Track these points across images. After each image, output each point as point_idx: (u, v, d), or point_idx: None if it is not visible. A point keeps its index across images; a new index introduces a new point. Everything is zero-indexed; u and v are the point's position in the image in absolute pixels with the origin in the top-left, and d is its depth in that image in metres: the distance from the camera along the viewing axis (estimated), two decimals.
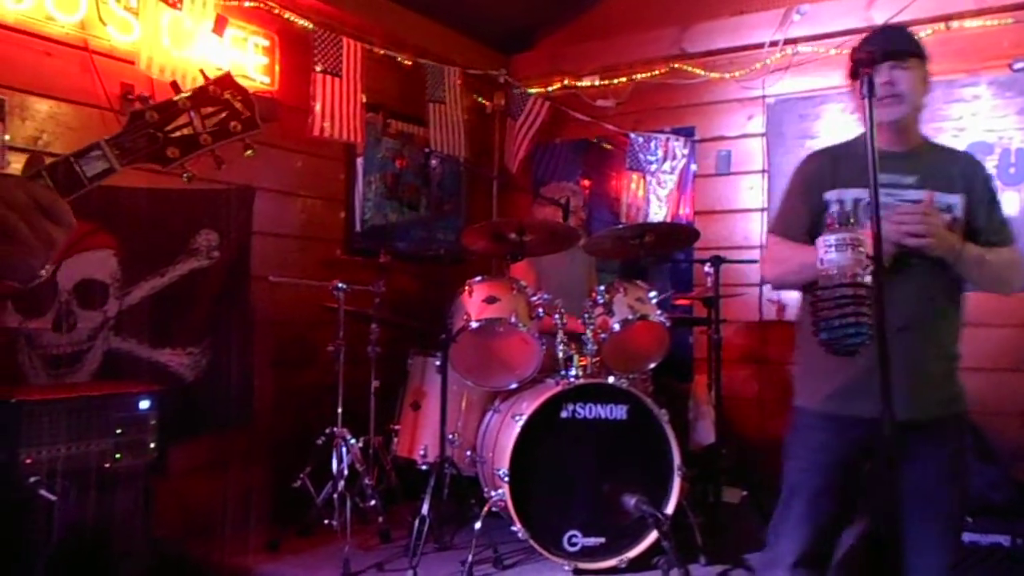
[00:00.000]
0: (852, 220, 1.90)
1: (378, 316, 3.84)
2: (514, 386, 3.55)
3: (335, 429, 3.59)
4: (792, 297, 4.51)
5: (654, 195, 4.97)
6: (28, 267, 1.08)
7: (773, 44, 4.51)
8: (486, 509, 3.22)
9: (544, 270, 4.08)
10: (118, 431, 2.84)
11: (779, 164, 4.62)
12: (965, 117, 4.09)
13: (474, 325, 3.36)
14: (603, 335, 3.43)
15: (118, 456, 2.84)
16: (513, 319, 3.36)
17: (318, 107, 4.09)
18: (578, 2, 5.33)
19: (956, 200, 2.21)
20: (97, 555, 2.75)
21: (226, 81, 1.34)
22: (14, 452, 2.59)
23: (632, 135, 5.03)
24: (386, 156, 4.79)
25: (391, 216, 4.82)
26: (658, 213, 4.94)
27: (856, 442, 2.13)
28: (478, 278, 3.53)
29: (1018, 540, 3.18)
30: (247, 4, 3.86)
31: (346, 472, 3.50)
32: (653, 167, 4.97)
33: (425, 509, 3.24)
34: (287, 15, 4.04)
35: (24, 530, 2.58)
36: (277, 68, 4.08)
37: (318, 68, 4.10)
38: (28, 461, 2.60)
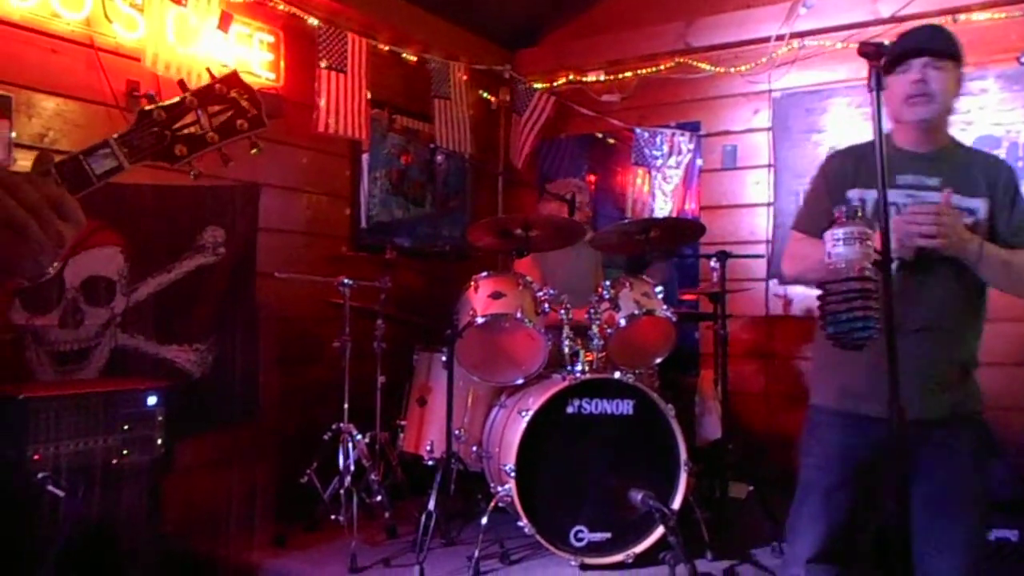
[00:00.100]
0: (860, 214, 1.89)
1: (384, 312, 3.84)
2: (520, 381, 3.55)
3: (341, 425, 3.59)
4: (798, 292, 4.51)
5: (659, 190, 4.96)
6: (37, 263, 1.09)
7: (779, 38, 4.49)
8: (492, 504, 3.22)
9: (550, 265, 4.08)
10: (125, 427, 2.85)
11: (785, 159, 4.61)
12: (972, 111, 4.07)
13: (480, 321, 3.36)
14: (609, 330, 3.43)
15: (125, 452, 2.85)
16: (519, 315, 3.35)
17: (323, 103, 4.09)
18: None
19: (979, 204, 2.20)
20: (105, 551, 2.76)
21: (232, 79, 1.35)
22: (22, 448, 2.60)
23: (637, 130, 5.02)
24: (391, 152, 4.78)
25: (396, 212, 4.82)
26: (664, 208, 4.93)
27: (872, 441, 2.12)
28: (484, 274, 3.53)
29: None
30: (252, 0, 3.86)
31: (352, 468, 3.51)
32: (659, 162, 4.96)
33: (431, 504, 3.24)
34: (292, 11, 4.03)
35: (32, 526, 2.59)
36: (282, 64, 4.08)
37: (323, 64, 4.10)
38: (36, 457, 2.61)
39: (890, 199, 2.20)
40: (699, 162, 4.91)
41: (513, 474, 3.11)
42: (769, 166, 4.68)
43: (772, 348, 4.61)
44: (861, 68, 1.85)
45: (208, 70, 1.39)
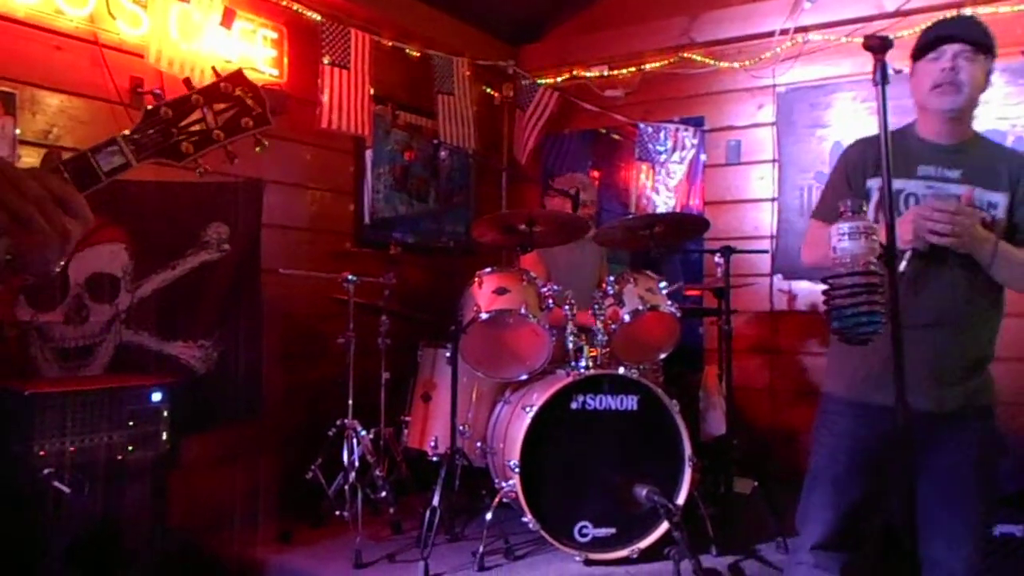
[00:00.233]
0: (865, 208, 1.88)
1: (388, 308, 3.85)
2: (524, 377, 3.55)
3: (346, 421, 3.60)
4: (802, 287, 4.51)
5: (663, 185, 4.95)
6: (44, 260, 1.10)
7: (783, 32, 4.47)
8: (497, 500, 3.22)
9: (554, 261, 4.07)
10: (130, 424, 2.86)
11: (789, 154, 4.60)
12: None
13: (484, 316, 3.36)
14: (613, 326, 3.43)
15: (130, 449, 2.85)
16: (523, 310, 3.35)
17: (326, 99, 4.09)
18: None
19: (999, 198, 2.18)
20: (110, 547, 2.76)
21: (237, 78, 1.37)
22: (28, 445, 2.61)
23: (641, 125, 5.01)
24: (395, 148, 4.78)
25: (400, 208, 4.82)
26: (668, 203, 4.92)
27: (881, 431, 2.12)
28: (488, 269, 3.53)
29: None
30: None
31: (357, 463, 3.51)
32: (662, 157, 4.95)
33: (436, 500, 3.24)
34: (295, 7, 4.03)
35: (38, 522, 2.60)
36: (286, 60, 4.07)
37: (326, 60, 4.10)
38: (41, 453, 2.62)
39: (909, 190, 2.20)
40: (703, 157, 4.90)
41: (517, 470, 3.12)
42: (773, 161, 4.67)
43: (776, 343, 4.60)
44: (866, 62, 1.84)
45: (214, 69, 1.40)
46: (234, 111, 1.35)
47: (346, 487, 3.46)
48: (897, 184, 2.20)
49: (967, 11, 4.00)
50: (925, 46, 2.19)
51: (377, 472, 3.62)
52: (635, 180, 5.07)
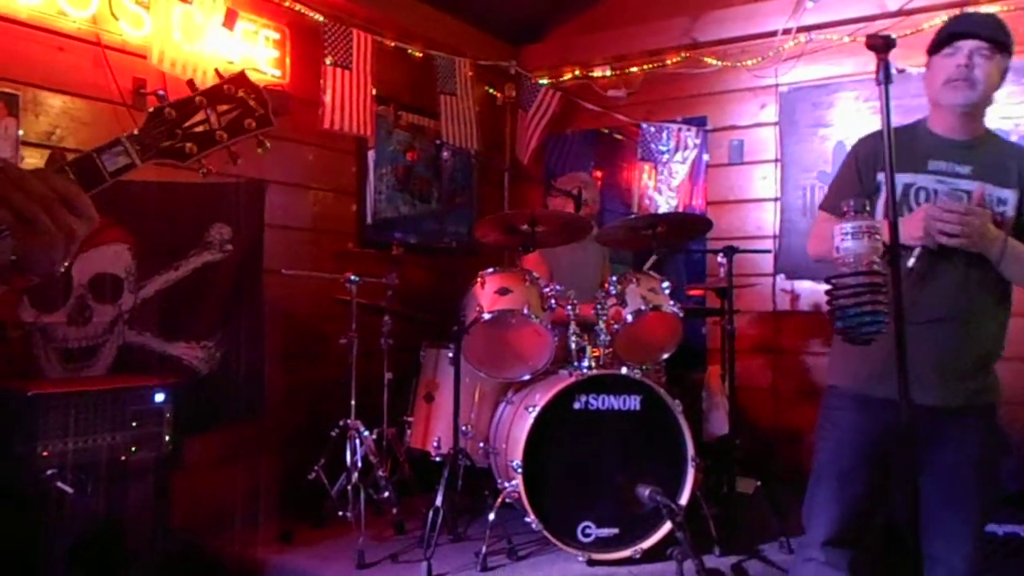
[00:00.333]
0: (868, 208, 1.88)
1: (390, 308, 3.85)
2: (527, 377, 3.55)
3: (348, 421, 3.60)
4: (805, 287, 4.50)
5: (666, 185, 4.95)
6: (49, 260, 1.11)
7: (786, 32, 4.47)
8: (500, 500, 3.22)
9: (557, 261, 4.07)
10: (133, 424, 2.86)
11: (792, 153, 4.60)
12: None
13: (487, 317, 3.36)
14: (616, 326, 3.42)
15: (133, 449, 2.86)
16: (526, 310, 3.35)
17: (328, 100, 4.09)
18: None
19: (1009, 195, 2.18)
20: (113, 547, 2.77)
21: (240, 80, 1.38)
22: (31, 445, 2.61)
23: (644, 125, 5.01)
24: (397, 149, 4.78)
25: (403, 208, 4.82)
26: (670, 203, 4.92)
27: (885, 424, 2.12)
28: (490, 270, 3.53)
29: None
30: None
31: (360, 464, 3.51)
32: (665, 157, 4.95)
33: (439, 500, 3.24)
34: (298, 8, 4.03)
35: (41, 522, 2.60)
36: (288, 61, 4.08)
37: (328, 61, 4.10)
38: (45, 454, 2.63)
39: (920, 184, 2.20)
40: (706, 157, 4.90)
41: (520, 470, 3.12)
42: (776, 161, 4.67)
43: (779, 343, 4.60)
44: (868, 62, 1.84)
45: (217, 71, 1.42)
46: (237, 112, 1.36)
47: (349, 487, 3.46)
48: (907, 178, 2.20)
49: (972, 8, 4.00)
50: (941, 41, 2.19)
51: (380, 472, 3.62)
52: (637, 180, 5.07)
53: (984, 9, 3.97)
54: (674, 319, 3.47)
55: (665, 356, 3.62)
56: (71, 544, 2.62)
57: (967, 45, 2.14)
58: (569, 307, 3.48)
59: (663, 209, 4.88)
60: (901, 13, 4.14)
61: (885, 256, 1.80)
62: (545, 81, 5.29)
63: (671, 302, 3.48)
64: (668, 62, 4.92)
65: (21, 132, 3.05)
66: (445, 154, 4.15)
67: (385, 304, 3.84)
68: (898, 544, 1.89)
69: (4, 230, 1.06)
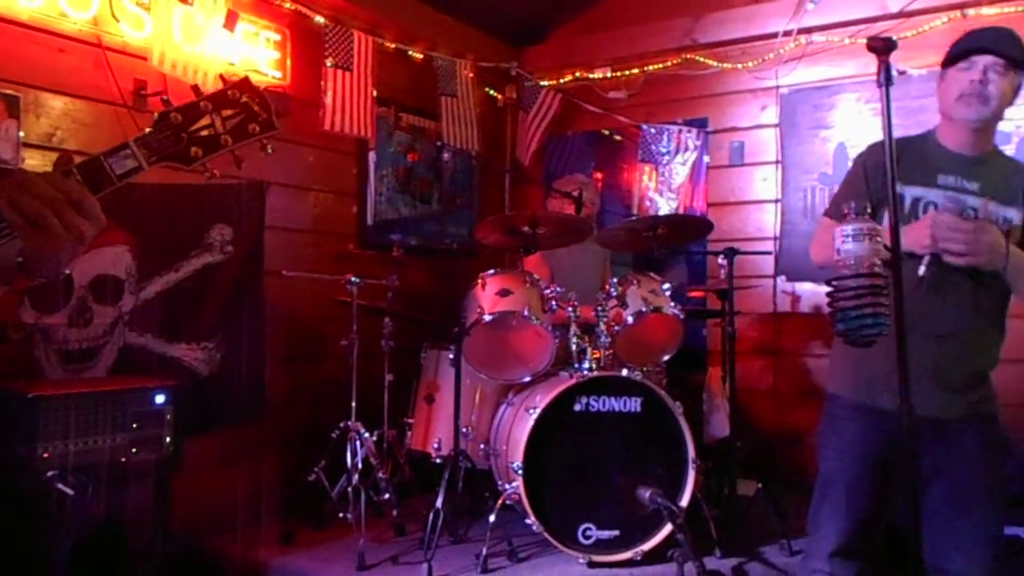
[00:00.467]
0: (869, 210, 1.87)
1: (391, 310, 3.85)
2: (528, 379, 3.55)
3: (349, 423, 3.60)
4: (806, 289, 4.50)
5: (666, 187, 4.95)
6: (57, 261, 1.14)
7: (787, 34, 4.47)
8: (500, 502, 3.22)
9: (558, 263, 4.07)
10: (134, 426, 2.86)
11: (793, 155, 4.59)
12: None
13: (487, 318, 3.36)
14: (617, 327, 3.42)
15: (134, 451, 2.86)
16: (526, 312, 3.35)
17: (329, 101, 4.09)
18: None
19: (1014, 214, 2.19)
20: (113, 549, 2.77)
21: (244, 85, 1.41)
22: (31, 447, 2.61)
23: (644, 127, 5.01)
24: (398, 150, 4.78)
25: (403, 210, 4.82)
26: (671, 205, 4.92)
27: (887, 434, 2.12)
28: (491, 271, 3.53)
29: None
30: None
31: (360, 465, 3.51)
32: (665, 159, 4.94)
33: (439, 502, 3.24)
34: (298, 9, 4.03)
35: (41, 524, 2.60)
36: (288, 63, 4.08)
37: (329, 62, 4.10)
38: (45, 456, 2.63)
39: (929, 198, 2.20)
40: (706, 159, 4.90)
41: (521, 472, 3.11)
42: (777, 162, 4.66)
43: (780, 345, 4.59)
44: (869, 63, 1.84)
45: (221, 76, 1.46)
46: (241, 117, 1.39)
47: (349, 489, 3.46)
48: (918, 191, 2.20)
49: (973, 11, 4.01)
50: (957, 55, 2.18)
51: (380, 474, 3.62)
52: (638, 182, 5.07)
53: (986, 12, 3.98)
54: (675, 321, 3.47)
55: (666, 358, 3.62)
56: (72, 546, 2.61)
57: (982, 60, 2.13)
58: (570, 309, 3.48)
59: (663, 211, 4.88)
60: (902, 15, 4.14)
61: (888, 261, 1.80)
62: (546, 83, 5.29)
63: (672, 304, 3.48)
64: (669, 63, 4.91)
65: (22, 134, 3.05)
66: (446, 155, 4.16)
67: (386, 306, 3.84)
68: (900, 552, 1.89)
69: (7, 231, 1.08)
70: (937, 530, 2.06)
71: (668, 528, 3.04)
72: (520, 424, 3.26)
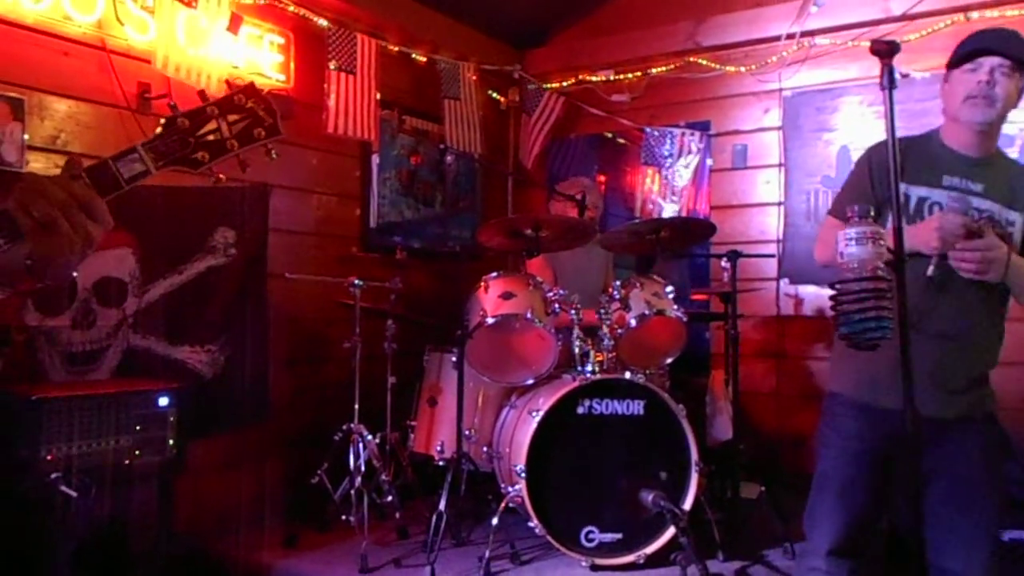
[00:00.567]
0: (872, 214, 1.87)
1: (394, 312, 3.85)
2: (531, 382, 3.55)
3: (352, 425, 3.60)
4: (809, 292, 4.50)
5: (669, 190, 4.95)
6: (66, 264, 1.16)
7: (790, 36, 4.47)
8: (503, 505, 3.22)
9: (561, 266, 4.07)
10: (137, 428, 2.86)
11: (796, 158, 4.59)
12: None
13: (490, 321, 3.36)
14: (619, 330, 3.42)
15: (137, 453, 2.86)
16: (529, 315, 3.35)
17: (332, 104, 4.10)
18: None
19: (1016, 217, 2.20)
20: (117, 551, 2.77)
21: (250, 90, 1.43)
22: (35, 449, 2.61)
23: (647, 130, 5.01)
24: (401, 153, 4.79)
25: (407, 213, 4.83)
26: (674, 208, 4.92)
27: (888, 433, 2.12)
28: (494, 274, 3.53)
29: None
30: (262, 2, 3.87)
31: (363, 468, 3.52)
32: (668, 162, 4.95)
33: (442, 505, 3.24)
34: (302, 12, 4.04)
35: (45, 526, 2.60)
36: (292, 66, 4.09)
37: (332, 65, 4.11)
38: (49, 458, 2.63)
39: (935, 199, 2.21)
40: (709, 161, 4.90)
41: (523, 474, 3.11)
42: (780, 165, 4.67)
43: (783, 348, 4.59)
44: (872, 66, 1.84)
45: (227, 81, 1.46)
46: (247, 122, 1.41)
47: (352, 492, 3.46)
48: (923, 191, 2.20)
49: (977, 13, 4.00)
50: (963, 56, 2.18)
51: (383, 477, 3.62)
52: (641, 184, 5.07)
53: (988, 14, 3.98)
54: (678, 324, 3.47)
55: (669, 361, 3.61)
56: (75, 548, 2.62)
57: (989, 62, 2.13)
58: (573, 311, 3.48)
59: (667, 214, 4.88)
60: (905, 17, 4.14)
61: (892, 263, 1.80)
62: (549, 86, 5.29)
63: (675, 306, 3.48)
64: (672, 66, 4.92)
65: (27, 136, 3.06)
66: (449, 158, 4.16)
67: (389, 308, 3.84)
68: (900, 552, 1.89)
69: (17, 234, 1.10)
70: (936, 529, 2.05)
71: (671, 531, 3.04)
72: (523, 427, 3.25)
